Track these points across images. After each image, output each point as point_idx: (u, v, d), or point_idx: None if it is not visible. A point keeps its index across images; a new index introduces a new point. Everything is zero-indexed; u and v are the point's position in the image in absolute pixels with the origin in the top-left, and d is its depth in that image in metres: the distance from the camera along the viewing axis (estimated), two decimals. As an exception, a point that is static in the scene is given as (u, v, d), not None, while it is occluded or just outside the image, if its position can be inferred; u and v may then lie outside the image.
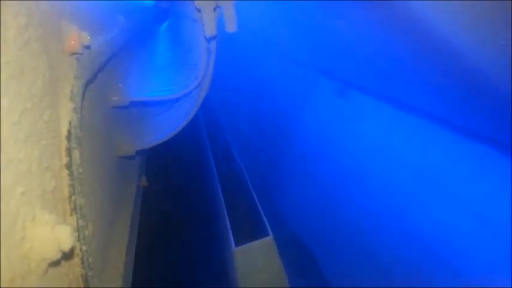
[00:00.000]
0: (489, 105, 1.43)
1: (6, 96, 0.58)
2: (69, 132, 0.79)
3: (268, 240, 1.50)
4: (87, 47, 0.97)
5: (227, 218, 1.60)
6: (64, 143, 0.79)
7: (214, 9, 1.20)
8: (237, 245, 1.48)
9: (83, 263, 0.80)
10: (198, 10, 1.18)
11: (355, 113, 2.63)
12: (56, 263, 0.63)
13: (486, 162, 1.63)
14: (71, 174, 0.78)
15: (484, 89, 1.37)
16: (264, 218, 1.61)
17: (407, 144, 2.14)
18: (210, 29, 1.20)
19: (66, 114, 0.81)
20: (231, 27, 1.20)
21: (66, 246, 0.62)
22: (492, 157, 1.58)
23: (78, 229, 0.79)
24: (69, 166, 0.77)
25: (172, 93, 1.59)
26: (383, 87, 2.24)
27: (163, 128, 1.64)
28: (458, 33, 1.26)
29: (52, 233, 0.62)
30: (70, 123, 0.81)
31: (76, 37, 0.90)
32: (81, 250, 0.79)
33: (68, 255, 0.68)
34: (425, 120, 2.03)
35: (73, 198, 0.77)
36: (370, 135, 2.43)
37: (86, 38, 0.93)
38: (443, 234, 1.80)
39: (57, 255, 0.62)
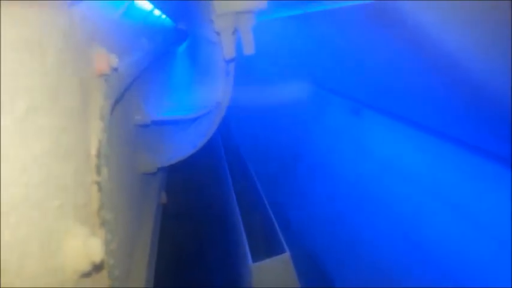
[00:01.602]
0: (500, 125, 1.44)
1: (47, 116, 0.62)
2: (98, 150, 0.84)
3: (285, 256, 1.51)
4: (115, 69, 1.02)
5: (244, 234, 1.62)
6: (94, 160, 0.83)
7: (233, 32, 1.25)
8: (254, 261, 1.49)
9: (109, 275, 0.83)
10: (217, 33, 1.23)
11: (368, 131, 2.64)
12: (87, 275, 0.67)
13: (492, 178, 1.64)
14: (100, 189, 0.82)
15: (495, 107, 1.38)
16: (280, 235, 1.62)
17: (420, 161, 2.15)
18: (228, 51, 1.25)
19: (96, 133, 0.86)
20: (249, 49, 1.25)
21: (97, 258, 0.65)
22: (498, 173, 1.60)
23: (106, 242, 0.82)
24: (98, 182, 0.82)
25: (192, 113, 1.64)
26: (396, 106, 2.26)
27: (183, 146, 1.68)
28: (469, 52, 1.29)
29: (84, 246, 0.65)
30: (100, 142, 0.85)
31: (105, 59, 0.95)
32: (108, 263, 0.82)
33: (98, 267, 0.72)
34: (437, 138, 2.04)
35: (101, 212, 0.81)
36: (383, 152, 2.44)
37: (114, 60, 0.98)
38: (451, 245, 1.82)
39: (88, 267, 0.65)
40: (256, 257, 1.53)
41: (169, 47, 3.68)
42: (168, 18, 3.95)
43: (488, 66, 1.25)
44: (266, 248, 1.59)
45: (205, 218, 2.12)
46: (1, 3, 0.60)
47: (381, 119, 2.59)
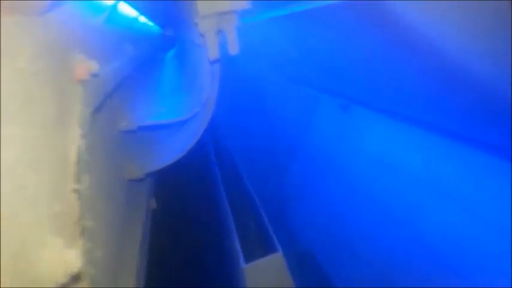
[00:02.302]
0: (493, 115, 1.43)
1: (16, 124, 0.61)
2: (77, 157, 0.82)
3: (278, 256, 1.50)
4: (96, 75, 1.00)
5: (236, 235, 1.61)
6: (73, 168, 0.82)
7: (217, 33, 1.24)
8: (246, 262, 1.48)
9: (92, 284, 0.81)
10: (202, 35, 1.22)
11: (359, 128, 2.64)
12: (64, 286, 0.65)
13: (489, 170, 1.63)
14: (79, 198, 0.80)
15: (487, 99, 1.38)
16: (273, 235, 1.61)
17: (412, 156, 2.14)
18: (212, 52, 1.24)
19: (74, 140, 0.84)
20: (234, 49, 1.24)
21: (74, 269, 0.63)
22: (495, 165, 1.59)
23: (87, 252, 0.80)
24: (77, 190, 0.80)
25: (179, 117, 1.62)
26: (386, 102, 2.25)
27: (171, 151, 1.67)
28: (460, 45, 1.28)
29: (60, 257, 0.63)
30: (79, 149, 0.83)
31: (84, 66, 0.94)
32: (89, 274, 0.80)
33: (76, 278, 0.70)
34: (429, 132, 2.03)
35: (82, 221, 0.79)
36: (375, 149, 2.43)
37: (94, 66, 0.97)
38: (447, 238, 1.81)
39: (65, 279, 0.63)
40: (249, 258, 1.52)
41: (157, 53, 3.67)
42: (155, 25, 3.94)
43: (484, 58, 1.24)
44: (258, 248, 1.58)
45: (196, 222, 2.10)
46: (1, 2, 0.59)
47: (370, 114, 2.59)
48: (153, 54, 3.22)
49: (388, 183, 2.30)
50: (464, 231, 1.77)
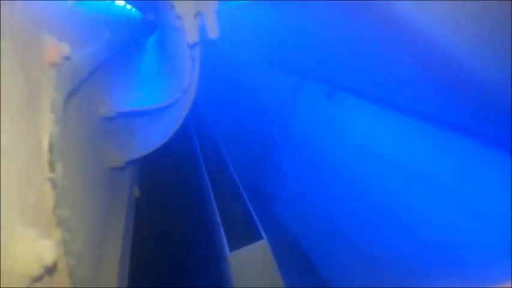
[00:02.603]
0: (479, 101, 1.43)
1: (-20, 111, 0.57)
2: (50, 144, 0.78)
3: (262, 243, 1.50)
4: (67, 59, 0.96)
5: (221, 224, 1.60)
6: (46, 156, 0.78)
7: (196, 15, 1.20)
8: (231, 250, 1.47)
9: (71, 276, 0.79)
10: (179, 17, 1.18)
11: (344, 115, 2.63)
12: (39, 279, 0.62)
13: (479, 159, 1.63)
14: (54, 187, 0.77)
15: (475, 84, 1.38)
16: (257, 222, 1.61)
17: (399, 145, 2.14)
18: (191, 36, 1.20)
19: (47, 127, 0.80)
20: (213, 33, 1.20)
21: (48, 260, 0.61)
22: (486, 154, 1.58)
23: (64, 242, 0.77)
24: (51, 179, 0.76)
25: (159, 103, 1.59)
26: (373, 89, 2.24)
27: (153, 137, 1.63)
28: (445, 29, 1.27)
29: (33, 248, 0.61)
30: (51, 136, 0.80)
31: (55, 48, 0.89)
32: (68, 264, 0.78)
33: (51, 270, 0.67)
34: (416, 119, 2.02)
35: (57, 211, 0.76)
36: (360, 136, 2.43)
37: (65, 49, 0.92)
38: (440, 232, 1.80)
39: (39, 271, 0.60)
40: (234, 246, 1.51)
41: (138, 38, 3.58)
42: (135, 10, 3.84)
43: (482, 53, 1.22)
44: (243, 236, 1.57)
45: (180, 210, 2.08)
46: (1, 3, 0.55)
47: (356, 101, 2.58)
48: (133, 39, 3.14)
49: (373, 170, 2.30)
50: (447, 216, 1.76)
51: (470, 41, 1.19)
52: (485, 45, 1.13)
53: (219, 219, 1.63)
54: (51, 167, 0.78)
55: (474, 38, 1.16)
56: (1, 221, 0.58)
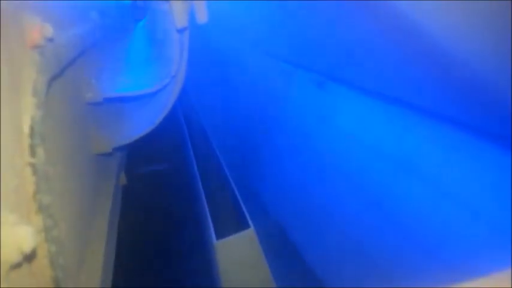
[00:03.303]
0: (475, 94, 1.43)
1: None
2: (31, 128, 0.76)
3: (249, 232, 1.49)
4: (51, 40, 0.93)
5: (208, 212, 1.59)
6: (27, 140, 0.76)
7: (184, -1, 1.17)
8: (218, 238, 1.47)
9: (52, 264, 0.77)
10: (167, 0, 1.15)
11: (335, 105, 2.62)
12: (17, 266, 0.60)
13: (473, 152, 1.63)
14: (34, 172, 0.74)
15: (469, 75, 1.37)
16: (245, 211, 1.60)
17: (389, 136, 2.14)
18: (180, 20, 1.17)
19: (28, 110, 0.78)
20: (202, 17, 1.18)
21: (27, 247, 0.59)
22: (483, 149, 1.58)
23: (45, 229, 0.76)
24: (32, 164, 0.74)
25: (147, 88, 1.56)
26: (363, 79, 2.23)
27: (140, 124, 1.61)
28: (438, 18, 1.26)
29: (11, 234, 0.59)
30: (32, 119, 0.77)
31: (38, 29, 0.86)
32: (49, 251, 0.76)
33: (30, 257, 0.66)
34: (408, 110, 2.02)
35: (38, 197, 0.74)
36: (351, 126, 2.43)
37: (48, 30, 0.89)
38: (433, 226, 1.80)
39: (17, 257, 0.59)
40: (221, 234, 1.50)
41: (127, 23, 3.51)
42: (125, -7, 3.75)
43: (480, 48, 1.21)
44: (230, 225, 1.56)
45: (168, 198, 2.07)
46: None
47: (347, 91, 2.57)
48: (122, 23, 3.08)
49: (364, 161, 2.30)
50: (439, 208, 1.76)
51: (466, 31, 1.18)
52: (483, 34, 1.11)
53: (206, 207, 1.62)
54: (32, 151, 0.76)
55: (470, 26, 1.14)
56: (-23, 206, 0.56)
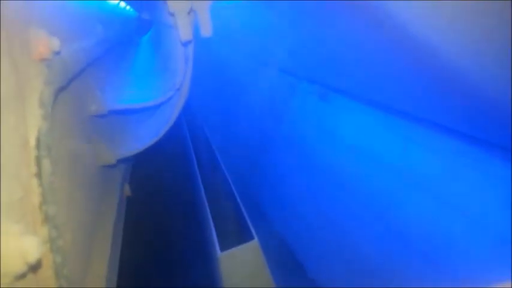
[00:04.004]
0: (476, 105, 1.43)
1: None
2: (37, 140, 0.77)
3: (253, 244, 1.48)
4: (58, 53, 0.94)
5: (212, 223, 1.58)
6: (33, 151, 0.77)
7: (189, 12, 1.19)
8: (222, 250, 1.46)
9: (57, 274, 0.77)
10: (171, 14, 1.16)
11: (337, 117, 2.63)
12: (22, 276, 0.61)
13: (473, 162, 1.63)
14: (40, 183, 0.75)
15: (470, 87, 1.37)
16: (249, 222, 1.59)
17: (392, 148, 2.14)
18: (185, 33, 1.19)
19: (35, 122, 0.79)
20: (206, 31, 1.19)
21: (32, 257, 0.59)
22: (484, 159, 1.58)
23: (51, 240, 0.76)
24: (38, 175, 0.75)
25: (152, 101, 1.57)
26: (365, 90, 2.24)
27: (145, 136, 1.62)
28: (440, 31, 1.27)
29: (17, 245, 0.59)
30: (39, 131, 0.78)
31: (44, 42, 0.88)
32: (54, 261, 0.76)
33: (35, 268, 0.66)
34: (408, 121, 2.02)
35: (43, 207, 0.74)
36: (353, 138, 2.43)
37: (55, 43, 0.91)
38: (431, 235, 1.79)
39: (23, 268, 0.59)
40: (225, 246, 1.50)
41: (132, 36, 3.56)
42: (130, 8, 3.82)
43: (480, 55, 1.22)
44: (234, 236, 1.56)
45: (172, 209, 2.07)
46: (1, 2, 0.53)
47: (349, 103, 2.57)
48: (127, 37, 3.12)
49: (365, 172, 2.30)
50: (440, 218, 1.75)
51: (467, 43, 1.19)
52: (483, 46, 1.12)
53: (210, 219, 1.61)
54: (38, 163, 0.76)
55: (471, 39, 1.15)
56: (-16, 216, 0.56)
